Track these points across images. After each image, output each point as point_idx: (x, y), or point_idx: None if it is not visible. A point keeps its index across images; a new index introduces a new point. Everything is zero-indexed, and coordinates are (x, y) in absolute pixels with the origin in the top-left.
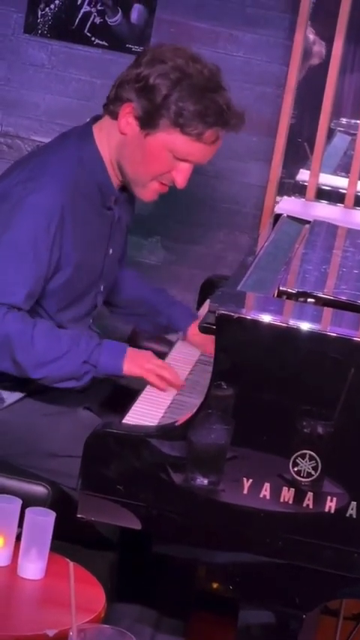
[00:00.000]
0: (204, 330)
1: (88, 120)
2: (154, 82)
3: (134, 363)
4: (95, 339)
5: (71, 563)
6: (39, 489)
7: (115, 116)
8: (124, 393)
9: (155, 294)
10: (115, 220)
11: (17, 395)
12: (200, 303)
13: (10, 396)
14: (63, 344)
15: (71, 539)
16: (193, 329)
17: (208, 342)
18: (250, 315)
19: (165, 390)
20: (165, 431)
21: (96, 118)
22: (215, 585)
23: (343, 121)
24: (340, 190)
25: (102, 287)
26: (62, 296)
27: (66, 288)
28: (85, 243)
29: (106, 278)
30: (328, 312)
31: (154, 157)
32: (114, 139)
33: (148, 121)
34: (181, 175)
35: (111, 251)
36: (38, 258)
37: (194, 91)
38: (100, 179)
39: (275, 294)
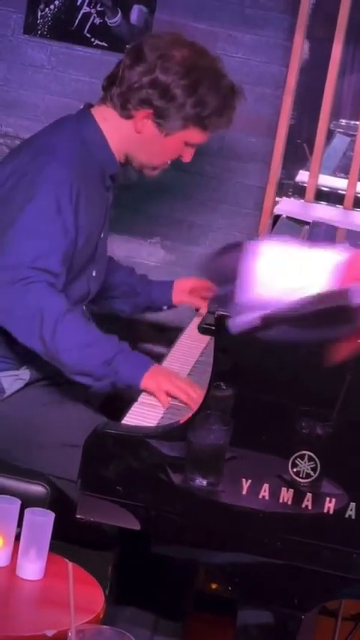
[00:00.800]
0: (203, 331)
1: (81, 107)
2: (173, 91)
3: (153, 379)
4: (124, 345)
5: (70, 564)
6: (38, 489)
7: (127, 117)
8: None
9: (129, 275)
10: (109, 204)
11: (18, 384)
12: None
13: (11, 386)
14: (92, 335)
15: (69, 538)
16: (175, 295)
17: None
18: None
19: (167, 407)
20: (164, 432)
21: (90, 105)
22: (214, 586)
23: (343, 122)
24: (339, 191)
25: (94, 272)
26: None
27: (72, 262)
28: (89, 221)
29: (97, 262)
30: None
31: (171, 149)
32: (125, 133)
33: (168, 126)
34: (189, 154)
35: (102, 235)
36: (65, 222)
37: (210, 92)
38: (104, 156)
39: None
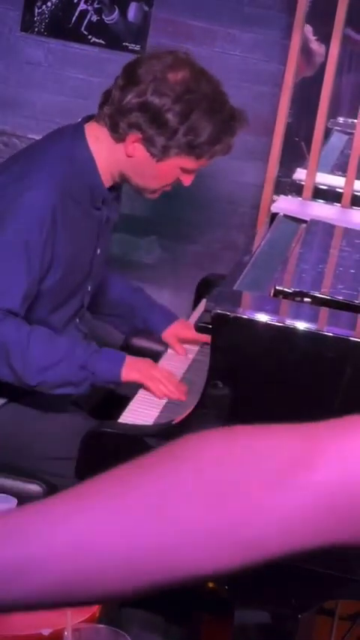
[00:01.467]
0: (200, 329)
1: (80, 120)
2: (164, 116)
3: (133, 368)
4: (93, 346)
5: None
6: (33, 487)
7: (118, 139)
8: (115, 398)
9: (133, 295)
10: (103, 220)
11: (1, 401)
12: (197, 303)
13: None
14: (59, 349)
15: None
16: (168, 332)
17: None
18: (246, 314)
19: (162, 398)
20: (161, 430)
21: (89, 118)
22: (210, 585)
23: (340, 120)
24: (337, 189)
25: (89, 287)
26: (52, 297)
27: (56, 290)
28: (74, 243)
29: (93, 278)
30: (324, 311)
31: (165, 175)
32: (116, 155)
33: (159, 152)
34: (188, 179)
35: (99, 251)
36: (32, 260)
37: (203, 118)
38: (91, 180)
39: (271, 294)
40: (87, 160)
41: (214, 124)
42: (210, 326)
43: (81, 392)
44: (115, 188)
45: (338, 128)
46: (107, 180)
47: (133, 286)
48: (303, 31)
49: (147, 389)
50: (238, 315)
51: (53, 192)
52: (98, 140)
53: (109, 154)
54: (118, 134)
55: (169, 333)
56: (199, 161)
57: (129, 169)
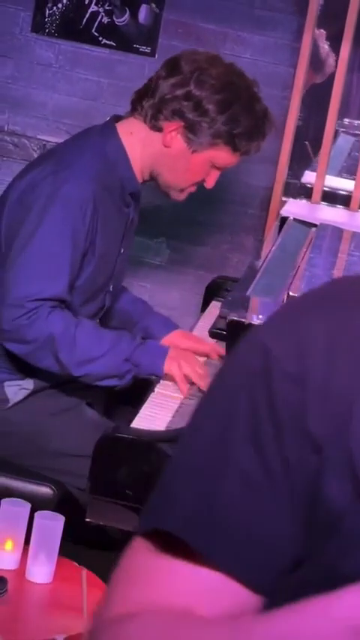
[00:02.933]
0: (214, 335)
1: (108, 118)
2: (206, 106)
3: (175, 362)
4: (137, 339)
5: (84, 571)
6: (45, 490)
7: (156, 129)
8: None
9: (134, 305)
10: (129, 220)
11: (22, 393)
12: (205, 304)
13: (15, 396)
14: (105, 343)
15: (75, 539)
16: (167, 339)
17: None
18: (261, 321)
19: (186, 396)
20: (175, 435)
21: (117, 118)
22: None
23: (346, 121)
24: (345, 192)
25: (111, 287)
26: (80, 293)
27: (85, 285)
28: (106, 238)
29: (116, 278)
30: None
31: (197, 169)
32: (152, 147)
33: (197, 141)
34: (212, 179)
35: (122, 250)
36: (76, 248)
37: (243, 111)
38: (123, 173)
39: (285, 300)
40: (120, 154)
41: (252, 117)
42: (224, 332)
43: (124, 384)
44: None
45: (344, 129)
46: (138, 176)
47: (134, 296)
48: (313, 34)
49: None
50: (253, 322)
51: (91, 184)
52: (132, 135)
53: (143, 147)
54: (157, 122)
55: (168, 340)
56: (234, 155)
57: (162, 162)
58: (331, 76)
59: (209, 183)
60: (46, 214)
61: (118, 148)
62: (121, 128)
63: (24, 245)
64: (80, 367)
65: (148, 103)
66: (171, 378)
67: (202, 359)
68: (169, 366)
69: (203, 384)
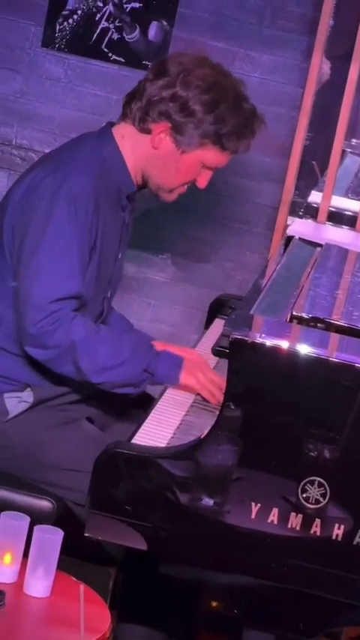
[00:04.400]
0: (217, 353)
1: (103, 125)
2: (192, 106)
3: (191, 373)
4: (154, 348)
5: (82, 585)
6: (44, 504)
7: (145, 131)
8: (129, 404)
9: (118, 321)
10: (125, 224)
11: (22, 406)
12: (209, 322)
13: (15, 408)
14: (124, 352)
15: (73, 553)
16: None
17: None
18: (263, 340)
19: (215, 404)
20: (176, 452)
21: (112, 124)
22: (214, 604)
23: (353, 141)
24: (351, 213)
25: (109, 293)
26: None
27: (88, 284)
28: (106, 238)
29: (113, 285)
30: (339, 338)
31: (187, 169)
32: (142, 150)
33: (186, 142)
34: (204, 179)
35: (119, 255)
36: (83, 243)
37: (230, 110)
38: (120, 176)
39: (288, 319)
40: (116, 157)
41: (239, 116)
42: (227, 350)
43: (139, 392)
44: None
45: (351, 150)
46: (136, 178)
47: (119, 314)
48: (322, 55)
49: (201, 396)
50: (256, 340)
51: (93, 180)
52: (124, 138)
53: (133, 149)
54: (145, 124)
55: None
56: (223, 154)
57: (152, 164)
58: (340, 97)
59: (201, 184)
60: (52, 213)
61: (114, 150)
62: (116, 132)
63: (35, 246)
64: (99, 375)
65: (137, 106)
66: (186, 388)
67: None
68: (186, 379)
69: (218, 392)
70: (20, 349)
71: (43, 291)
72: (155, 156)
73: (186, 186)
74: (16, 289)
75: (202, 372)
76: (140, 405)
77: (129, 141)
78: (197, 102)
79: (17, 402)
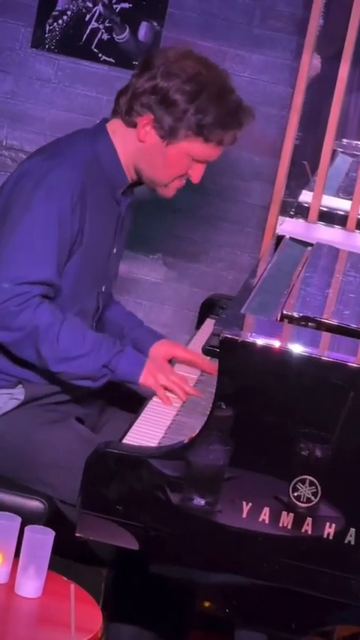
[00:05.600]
0: (207, 352)
1: (98, 121)
2: (173, 97)
3: (151, 374)
4: (117, 345)
5: (72, 585)
6: (35, 504)
7: (131, 125)
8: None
9: (125, 317)
10: (120, 217)
11: (12, 403)
12: (200, 322)
13: (6, 405)
14: (86, 344)
15: (64, 553)
16: (154, 348)
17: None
18: (254, 339)
19: (169, 404)
20: (166, 452)
21: (106, 120)
22: (207, 604)
23: (344, 141)
24: (342, 212)
25: (103, 287)
26: (72, 283)
27: (77, 275)
28: (97, 229)
29: (107, 278)
30: (330, 337)
31: (175, 162)
32: (130, 144)
33: (169, 133)
34: (197, 173)
35: (115, 250)
36: (62, 231)
37: (212, 100)
38: (113, 170)
39: (279, 318)
40: (109, 151)
41: (222, 106)
42: (217, 349)
43: (97, 386)
44: (130, 189)
45: (342, 150)
46: (127, 174)
47: (126, 310)
48: (312, 54)
49: (158, 397)
50: (246, 339)
51: (81, 171)
52: (115, 133)
53: (123, 144)
54: (131, 119)
55: (155, 349)
56: (208, 146)
57: (141, 158)
58: (330, 96)
59: (194, 178)
60: (33, 198)
61: (108, 144)
62: (108, 128)
63: (12, 228)
64: (58, 364)
65: (123, 100)
66: (148, 389)
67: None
68: (145, 379)
69: (180, 392)
70: None
71: (12, 273)
72: (142, 149)
73: (183, 181)
74: None
75: (162, 372)
76: (130, 406)
77: (119, 136)
78: (178, 92)
79: (8, 398)
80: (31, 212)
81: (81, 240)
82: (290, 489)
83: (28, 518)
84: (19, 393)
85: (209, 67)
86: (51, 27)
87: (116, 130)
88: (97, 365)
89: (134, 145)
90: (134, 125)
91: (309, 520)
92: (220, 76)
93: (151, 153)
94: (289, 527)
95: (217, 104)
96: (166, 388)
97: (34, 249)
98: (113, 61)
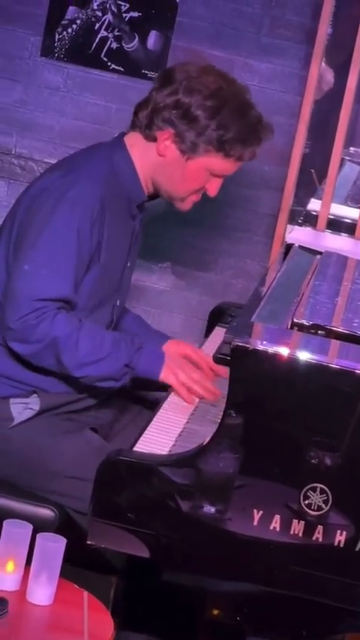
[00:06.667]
0: (218, 360)
1: (116, 135)
2: (195, 112)
3: (171, 371)
4: (136, 343)
5: (85, 593)
6: (46, 512)
7: (151, 139)
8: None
9: (133, 322)
10: (135, 233)
11: (27, 413)
12: (209, 330)
13: (20, 415)
14: (105, 347)
15: (74, 561)
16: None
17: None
18: (265, 347)
19: (192, 403)
20: (178, 459)
21: (123, 134)
22: (222, 615)
23: (352, 150)
24: (350, 221)
25: (118, 301)
26: (89, 297)
27: (93, 289)
28: (113, 244)
29: (122, 292)
30: (341, 345)
31: (193, 176)
32: (149, 158)
33: (190, 148)
34: (214, 187)
35: (129, 264)
36: (81, 248)
37: (233, 116)
38: (131, 184)
39: (289, 326)
40: (127, 165)
41: (243, 122)
42: (228, 357)
43: (120, 385)
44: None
45: (350, 158)
46: (144, 188)
47: (133, 314)
48: (321, 63)
49: (177, 394)
50: (257, 347)
51: (101, 186)
52: (133, 147)
53: (142, 158)
54: (151, 133)
55: (169, 347)
56: (228, 161)
57: (160, 172)
58: (338, 105)
59: (211, 192)
60: (53, 215)
61: (126, 159)
62: (127, 141)
63: (31, 245)
64: (80, 369)
65: (144, 114)
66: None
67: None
68: (166, 375)
69: (200, 390)
70: None
71: (31, 288)
72: (162, 164)
73: (200, 195)
74: (7, 284)
75: (182, 369)
76: (144, 414)
77: (138, 150)
78: (199, 108)
79: (23, 408)
80: (51, 227)
81: (98, 256)
82: (301, 497)
83: (39, 526)
84: (34, 403)
85: (230, 83)
86: (60, 36)
87: (135, 143)
88: (118, 365)
89: (153, 158)
90: (154, 139)
91: (320, 528)
92: (240, 92)
93: (171, 167)
94: (300, 535)
95: (238, 120)
96: (187, 387)
97: (52, 266)
98: (122, 69)
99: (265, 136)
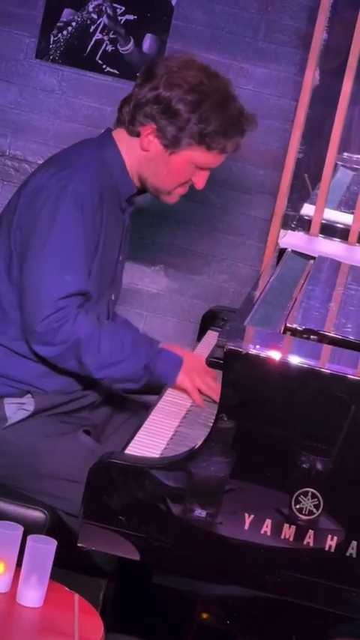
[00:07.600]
0: (211, 364)
1: (103, 131)
2: (176, 107)
3: (188, 376)
4: (155, 346)
5: (76, 595)
6: (37, 514)
7: (135, 134)
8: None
9: (121, 326)
10: (125, 227)
11: (21, 414)
12: (201, 334)
13: (15, 415)
14: (126, 349)
15: (64, 564)
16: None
17: None
18: (257, 351)
19: (204, 408)
20: (169, 463)
21: (110, 129)
22: (212, 618)
23: (346, 155)
24: (342, 226)
25: (113, 296)
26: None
27: (92, 284)
28: (107, 238)
29: (116, 286)
30: (333, 350)
31: (178, 170)
32: (134, 153)
33: (172, 143)
34: (201, 180)
35: (120, 258)
36: (88, 239)
37: (214, 110)
38: (120, 177)
39: (282, 331)
40: (117, 159)
41: (224, 115)
42: (221, 361)
43: (139, 387)
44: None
45: (342, 163)
46: (134, 181)
47: (121, 317)
48: (316, 68)
49: (191, 399)
50: (250, 351)
51: (97, 180)
52: (120, 142)
53: (128, 153)
54: (134, 128)
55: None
56: (211, 154)
57: (145, 167)
58: (333, 110)
59: (198, 185)
60: (58, 212)
61: (115, 153)
62: (115, 136)
63: (42, 244)
64: (101, 370)
65: (126, 110)
66: (180, 389)
67: (185, 405)
68: (182, 380)
69: (215, 395)
70: (26, 350)
71: (51, 288)
72: (146, 158)
73: (186, 188)
74: (21, 287)
75: (200, 375)
76: (136, 417)
77: (124, 145)
78: (180, 102)
79: (17, 408)
80: (57, 224)
81: (97, 249)
82: (292, 502)
83: (30, 528)
84: (28, 404)
85: (211, 76)
86: (55, 38)
87: (121, 139)
88: (138, 367)
89: (138, 153)
90: (138, 134)
91: (311, 532)
92: (221, 85)
93: (155, 161)
94: (291, 539)
95: (219, 113)
96: (201, 391)
97: (65, 263)
98: (117, 72)
99: (249, 127)
